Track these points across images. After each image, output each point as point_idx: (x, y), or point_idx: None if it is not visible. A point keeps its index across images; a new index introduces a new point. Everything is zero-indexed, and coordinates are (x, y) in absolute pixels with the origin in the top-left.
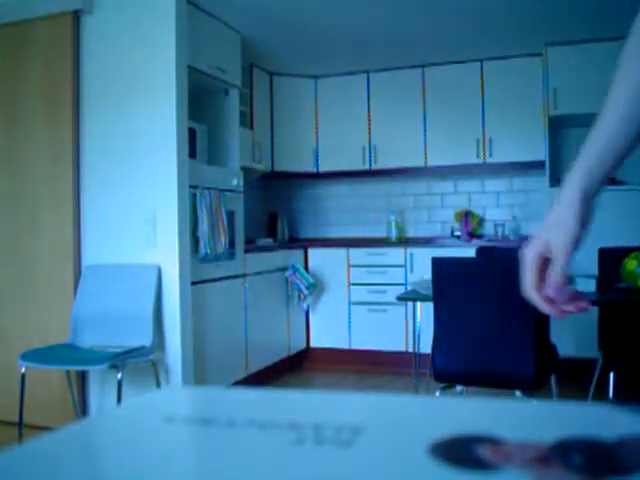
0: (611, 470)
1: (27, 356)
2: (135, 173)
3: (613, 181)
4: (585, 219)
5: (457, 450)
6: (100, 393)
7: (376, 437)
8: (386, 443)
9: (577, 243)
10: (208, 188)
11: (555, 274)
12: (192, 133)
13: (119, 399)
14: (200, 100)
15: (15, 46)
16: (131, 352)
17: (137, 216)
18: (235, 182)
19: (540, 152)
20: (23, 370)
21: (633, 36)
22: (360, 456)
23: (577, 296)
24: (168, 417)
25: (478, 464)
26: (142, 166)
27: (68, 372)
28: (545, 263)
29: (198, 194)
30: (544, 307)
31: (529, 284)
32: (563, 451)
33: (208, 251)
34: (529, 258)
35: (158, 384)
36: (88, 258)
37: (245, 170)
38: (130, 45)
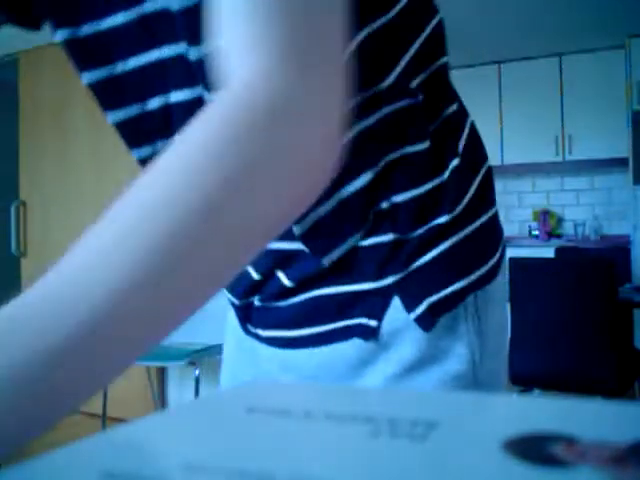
0: None
1: None
2: None
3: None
4: None
5: (531, 447)
6: (179, 388)
7: (450, 432)
8: (460, 438)
9: None
10: None
11: None
12: None
13: (197, 394)
14: None
15: None
16: (208, 349)
17: None
18: None
19: (623, 148)
20: None
21: None
22: (433, 449)
23: None
24: (250, 408)
25: (551, 461)
26: None
27: (148, 367)
28: None
29: None
30: None
31: None
32: None
33: None
34: None
35: None
36: None
37: None
38: None
